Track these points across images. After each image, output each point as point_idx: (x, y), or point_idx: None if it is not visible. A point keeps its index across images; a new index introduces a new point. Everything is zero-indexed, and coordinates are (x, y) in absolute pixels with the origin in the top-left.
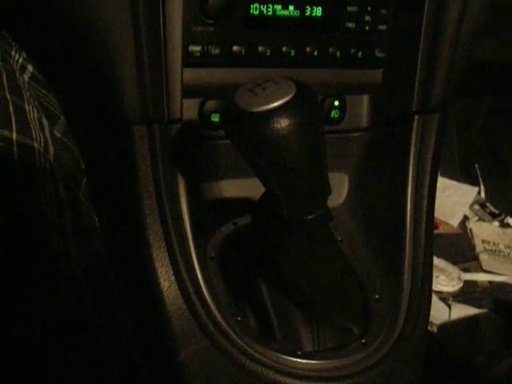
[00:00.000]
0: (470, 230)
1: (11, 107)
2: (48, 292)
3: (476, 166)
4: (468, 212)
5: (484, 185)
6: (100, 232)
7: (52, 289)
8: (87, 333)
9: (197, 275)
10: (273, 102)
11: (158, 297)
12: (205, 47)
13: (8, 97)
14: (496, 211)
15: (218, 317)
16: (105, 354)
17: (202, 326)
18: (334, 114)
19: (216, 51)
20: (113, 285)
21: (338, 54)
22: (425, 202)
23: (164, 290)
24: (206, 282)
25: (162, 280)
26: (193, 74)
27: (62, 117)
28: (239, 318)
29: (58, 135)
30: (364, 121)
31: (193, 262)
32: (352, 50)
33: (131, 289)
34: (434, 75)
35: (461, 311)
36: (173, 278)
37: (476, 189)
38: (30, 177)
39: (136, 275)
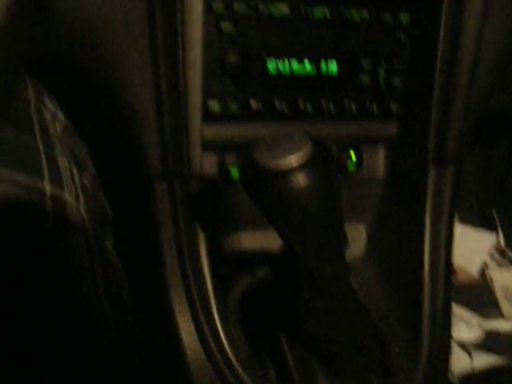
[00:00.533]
0: (490, 276)
1: (43, 157)
2: (79, 343)
3: (494, 211)
4: (487, 259)
5: (502, 231)
6: (126, 282)
7: (84, 340)
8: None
9: (217, 328)
10: (290, 161)
11: (178, 349)
12: (223, 103)
13: (40, 147)
14: None
15: (239, 370)
16: None
17: (223, 379)
18: (350, 165)
19: (234, 107)
20: (137, 335)
21: (354, 108)
22: (442, 252)
23: (185, 342)
24: (226, 335)
25: (183, 332)
26: (212, 129)
27: (91, 166)
28: (260, 372)
29: (88, 185)
30: (380, 172)
31: (213, 314)
32: (367, 104)
33: (152, 341)
34: (448, 127)
35: (482, 360)
36: (194, 331)
37: (494, 235)
38: (62, 229)
39: (158, 328)
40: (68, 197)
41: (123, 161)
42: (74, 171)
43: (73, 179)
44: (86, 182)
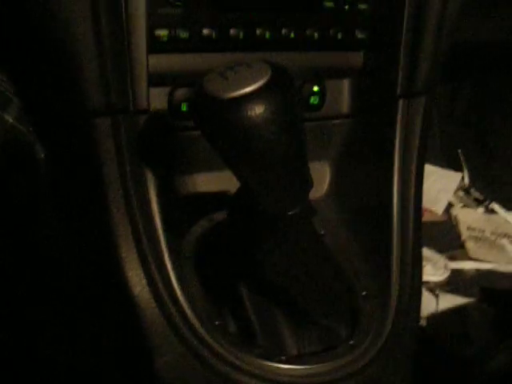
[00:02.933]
0: (455, 216)
1: None
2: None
3: (459, 151)
4: (452, 199)
5: (468, 170)
6: (58, 233)
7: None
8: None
9: (170, 277)
10: (245, 87)
11: (129, 302)
12: (172, 31)
13: None
14: (481, 197)
15: (195, 321)
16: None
17: (177, 332)
18: (313, 100)
19: (184, 35)
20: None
21: (316, 35)
22: (412, 191)
23: (135, 294)
24: (180, 284)
25: (132, 284)
26: (160, 61)
27: (16, 99)
28: (217, 322)
29: (10, 120)
30: (345, 107)
31: (165, 262)
32: (331, 31)
33: (101, 295)
34: (419, 56)
35: (449, 301)
36: (144, 281)
37: (460, 174)
38: None
39: (105, 280)
40: None
41: (59, 96)
42: None
43: None
44: (7, 117)
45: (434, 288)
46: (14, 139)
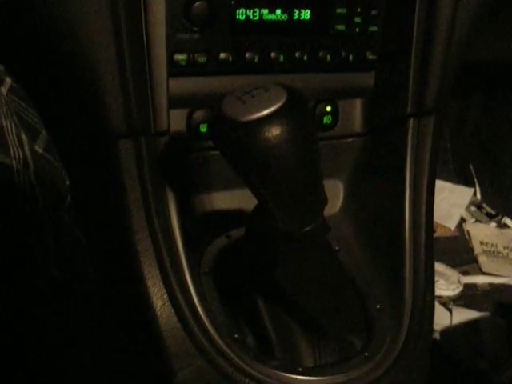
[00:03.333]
0: (468, 231)
1: None
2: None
3: (470, 166)
4: (464, 214)
5: (479, 185)
6: (86, 252)
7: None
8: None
9: (190, 292)
10: (262, 110)
11: (151, 316)
12: (190, 55)
13: None
14: (493, 212)
15: (214, 335)
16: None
17: (197, 345)
18: (326, 119)
19: (202, 59)
20: (98, 307)
21: (329, 57)
22: (423, 207)
23: (157, 309)
24: (200, 299)
25: (154, 299)
26: (179, 84)
27: (44, 131)
28: (236, 336)
29: (40, 151)
30: (357, 126)
31: (186, 278)
32: (343, 54)
33: (123, 309)
34: (428, 76)
35: (462, 315)
36: (166, 296)
37: (471, 190)
38: (8, 197)
39: (127, 295)
40: (14, 164)
41: (82, 120)
42: (23, 137)
43: (21, 145)
44: (37, 147)
45: (448, 302)
46: (43, 168)
